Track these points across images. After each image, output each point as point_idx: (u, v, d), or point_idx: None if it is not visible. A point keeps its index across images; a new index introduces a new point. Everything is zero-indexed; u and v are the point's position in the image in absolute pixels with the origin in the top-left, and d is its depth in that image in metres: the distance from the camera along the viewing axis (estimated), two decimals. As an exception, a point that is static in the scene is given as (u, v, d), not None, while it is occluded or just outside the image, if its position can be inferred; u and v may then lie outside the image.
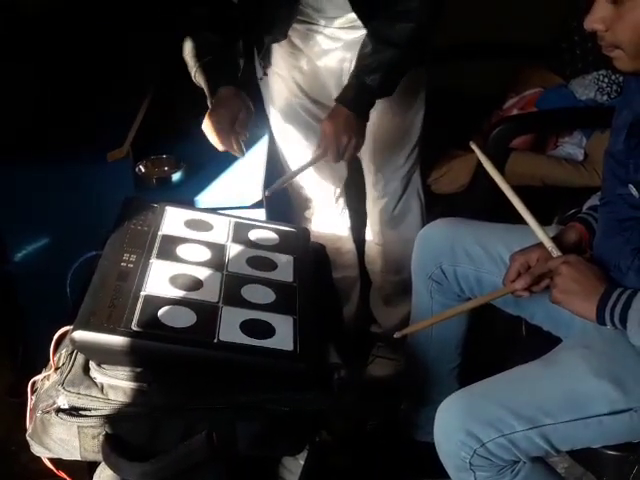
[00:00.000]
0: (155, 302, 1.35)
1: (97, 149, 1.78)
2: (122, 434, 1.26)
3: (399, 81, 1.78)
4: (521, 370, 1.37)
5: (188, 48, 1.74)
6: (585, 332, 1.40)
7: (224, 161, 1.89)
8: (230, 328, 1.33)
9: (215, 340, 1.30)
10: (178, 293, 1.38)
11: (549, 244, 1.43)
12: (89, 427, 1.25)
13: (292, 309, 1.41)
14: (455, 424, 1.31)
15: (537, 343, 1.59)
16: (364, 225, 2.25)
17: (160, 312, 1.33)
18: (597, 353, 1.34)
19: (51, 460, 1.33)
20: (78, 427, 1.24)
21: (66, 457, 1.29)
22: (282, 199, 2.14)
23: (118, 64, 2.06)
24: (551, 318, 1.54)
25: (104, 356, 1.28)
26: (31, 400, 1.32)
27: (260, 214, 1.85)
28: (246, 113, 1.70)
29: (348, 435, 1.91)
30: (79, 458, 1.28)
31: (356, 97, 1.72)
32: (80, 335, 1.25)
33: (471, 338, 1.76)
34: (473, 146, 1.53)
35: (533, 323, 1.60)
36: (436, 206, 2.30)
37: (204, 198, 1.81)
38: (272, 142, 2.09)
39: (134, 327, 1.28)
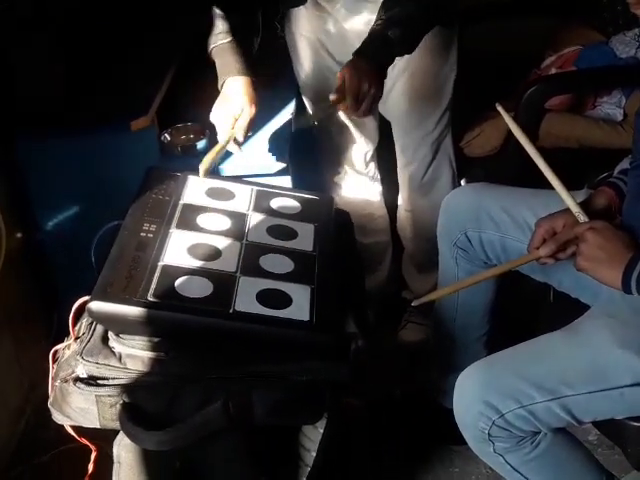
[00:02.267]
0: (172, 272, 1.35)
1: (122, 118, 1.77)
2: (139, 403, 1.27)
3: (421, 38, 1.73)
4: (542, 340, 1.34)
5: (211, 26, 1.71)
6: (611, 300, 1.36)
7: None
8: (246, 298, 1.33)
9: (231, 310, 1.30)
10: (196, 263, 1.38)
11: (576, 209, 1.39)
12: (107, 396, 1.26)
13: (310, 279, 1.40)
14: (473, 395, 1.29)
15: (565, 309, 1.55)
16: (397, 191, 2.22)
17: (177, 282, 1.33)
18: (622, 322, 1.30)
19: (73, 428, 1.35)
20: (96, 396, 1.26)
21: (86, 425, 1.32)
22: (310, 165, 2.13)
23: (144, 31, 2.05)
24: (578, 285, 1.50)
25: (121, 326, 1.29)
26: (53, 369, 1.34)
27: (286, 181, 1.83)
28: (247, 114, 1.65)
29: (376, 401, 1.91)
30: (98, 426, 1.30)
31: (376, 49, 1.67)
32: (97, 306, 1.26)
33: (499, 305, 1.73)
34: (499, 108, 1.48)
35: (560, 290, 1.56)
36: (471, 170, 2.26)
37: (229, 166, 1.80)
38: (299, 106, 2.06)
39: (150, 297, 1.29)
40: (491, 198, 1.58)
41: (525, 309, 1.85)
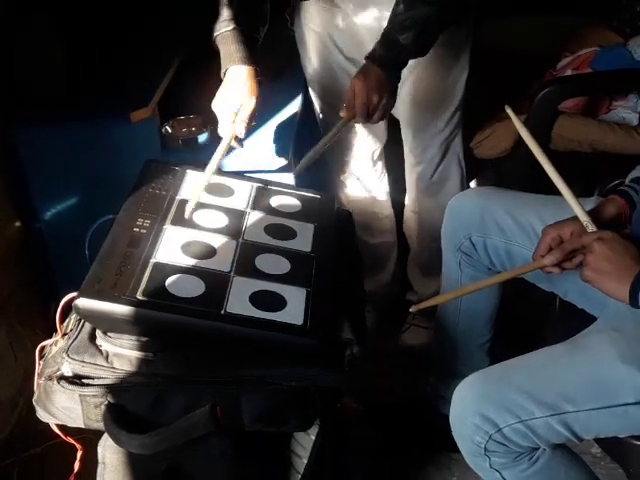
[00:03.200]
0: (164, 270, 1.31)
1: (121, 108, 1.73)
2: (124, 404, 1.23)
3: (434, 40, 1.68)
4: (544, 353, 1.29)
5: (216, 14, 1.67)
6: (618, 313, 1.31)
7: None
8: (239, 299, 1.29)
9: (222, 312, 1.26)
10: (189, 261, 1.34)
11: (584, 218, 1.34)
12: (91, 396, 1.23)
13: (307, 281, 1.36)
14: (471, 407, 1.25)
15: (571, 320, 1.51)
16: (405, 190, 2.17)
17: (168, 281, 1.29)
18: (628, 337, 1.25)
19: (59, 426, 1.32)
20: (80, 396, 1.23)
21: (70, 424, 1.28)
22: (314, 162, 2.08)
23: (148, 21, 2.01)
24: (585, 296, 1.45)
25: (109, 324, 1.25)
26: (39, 365, 1.31)
27: (289, 178, 1.79)
28: (248, 107, 1.60)
29: (375, 404, 1.88)
30: (82, 426, 1.27)
31: (388, 56, 1.64)
32: (83, 303, 1.23)
33: (503, 312, 1.68)
34: (508, 110, 1.44)
35: (567, 300, 1.51)
36: (481, 171, 2.21)
37: (230, 160, 1.75)
38: (305, 102, 2.02)
39: (139, 296, 1.25)
40: (497, 203, 1.53)
41: (530, 317, 1.81)
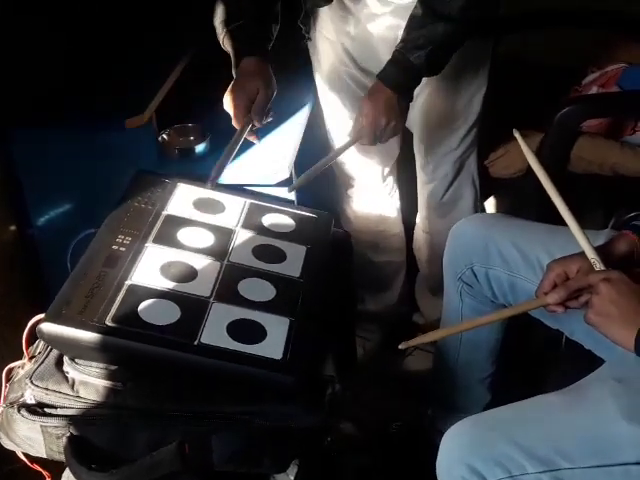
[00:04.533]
0: (139, 293, 1.24)
1: (116, 114, 1.66)
2: (88, 437, 1.16)
3: (447, 60, 1.60)
4: (540, 402, 1.19)
5: (219, 13, 1.62)
6: (624, 360, 1.21)
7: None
8: (215, 328, 1.21)
9: (195, 342, 1.18)
10: (167, 284, 1.27)
11: (592, 255, 1.24)
12: (52, 427, 1.16)
13: (291, 310, 1.28)
14: (457, 457, 1.16)
15: (577, 360, 1.42)
16: (417, 208, 2.08)
17: (141, 306, 1.22)
18: (632, 390, 1.15)
19: (24, 453, 1.25)
20: (41, 426, 1.16)
21: (33, 454, 1.22)
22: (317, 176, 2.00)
23: (150, 28, 1.93)
24: (592, 337, 1.34)
25: (75, 351, 1.19)
26: (5, 388, 1.24)
27: (288, 193, 1.70)
28: (264, 95, 1.56)
29: (368, 434, 1.79)
30: (45, 456, 1.20)
31: (398, 76, 1.57)
32: (48, 328, 1.16)
33: (506, 347, 1.59)
34: (516, 134, 1.34)
35: (573, 339, 1.42)
36: (495, 192, 2.11)
37: (228, 173, 1.67)
38: (314, 113, 1.94)
39: (108, 322, 1.17)
40: (502, 232, 1.43)
41: (537, 354, 1.71)
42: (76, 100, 1.72)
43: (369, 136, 1.60)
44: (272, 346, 1.20)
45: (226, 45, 1.61)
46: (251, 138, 1.61)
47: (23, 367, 1.24)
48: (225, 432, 1.16)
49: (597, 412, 1.13)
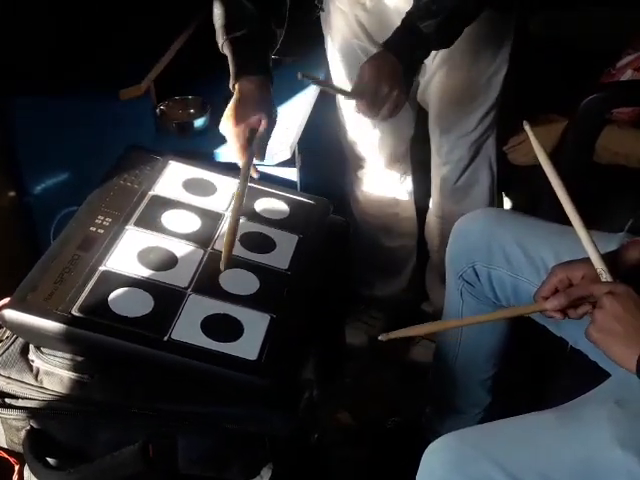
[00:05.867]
0: (111, 280, 1.17)
1: (112, 84, 1.58)
2: (49, 431, 1.11)
3: (459, 33, 1.49)
4: (530, 421, 1.10)
5: (219, 14, 1.47)
6: (625, 380, 1.11)
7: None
8: (189, 323, 1.14)
9: (165, 338, 1.12)
10: (143, 272, 1.20)
11: (599, 265, 1.13)
12: (12, 419, 1.10)
13: (273, 305, 1.20)
14: (438, 474, 1.08)
15: (581, 371, 1.32)
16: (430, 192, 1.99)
17: (112, 295, 1.15)
18: (630, 415, 1.05)
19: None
20: (1, 417, 1.10)
21: (-7, 444, 1.16)
22: (322, 157, 1.91)
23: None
24: (596, 349, 1.25)
25: (38, 339, 1.13)
26: (-29, 373, 1.19)
27: (290, 173, 1.61)
28: (267, 126, 1.42)
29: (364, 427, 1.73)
30: (6, 447, 1.15)
31: (405, 44, 1.46)
32: (10, 314, 1.10)
33: (508, 350, 1.50)
34: (526, 127, 1.24)
35: (577, 348, 1.32)
36: (514, 180, 2.01)
37: (227, 150, 1.58)
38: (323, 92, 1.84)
39: (74, 312, 1.11)
40: (507, 230, 1.34)
41: (539, 361, 1.62)
42: (75, 68, 1.65)
43: (367, 102, 1.44)
44: (248, 345, 1.13)
45: (225, 52, 1.47)
46: (252, 173, 1.43)
47: (-12, 353, 1.18)
48: (192, 434, 1.09)
49: (590, 436, 1.05)
